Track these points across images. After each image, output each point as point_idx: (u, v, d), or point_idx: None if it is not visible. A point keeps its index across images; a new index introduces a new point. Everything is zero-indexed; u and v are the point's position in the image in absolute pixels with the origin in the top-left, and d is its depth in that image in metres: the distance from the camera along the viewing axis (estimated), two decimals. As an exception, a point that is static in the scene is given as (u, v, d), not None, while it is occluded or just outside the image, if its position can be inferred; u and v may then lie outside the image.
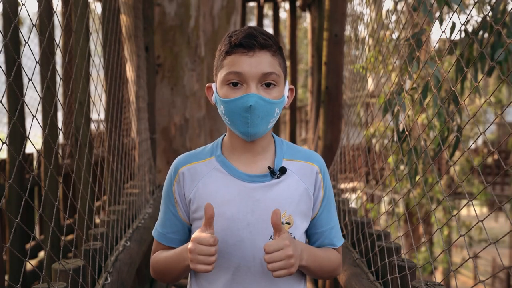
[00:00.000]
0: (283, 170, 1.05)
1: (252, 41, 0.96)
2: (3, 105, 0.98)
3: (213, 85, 1.06)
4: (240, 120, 0.98)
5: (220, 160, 1.08)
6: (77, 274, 1.34)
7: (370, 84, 2.24)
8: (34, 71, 1.18)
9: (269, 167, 1.05)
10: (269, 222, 1.03)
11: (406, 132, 1.61)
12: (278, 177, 1.05)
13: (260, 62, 0.97)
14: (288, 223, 1.05)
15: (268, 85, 0.99)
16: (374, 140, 2.05)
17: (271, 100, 0.98)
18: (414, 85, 2.09)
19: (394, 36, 2.13)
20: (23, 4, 1.13)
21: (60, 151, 4.60)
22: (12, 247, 3.29)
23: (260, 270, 1.04)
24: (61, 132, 1.48)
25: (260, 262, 1.03)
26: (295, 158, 1.09)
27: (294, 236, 1.06)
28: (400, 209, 6.16)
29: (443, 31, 1.29)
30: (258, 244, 1.03)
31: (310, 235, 1.14)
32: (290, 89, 1.08)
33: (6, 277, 3.25)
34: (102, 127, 4.17)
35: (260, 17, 6.64)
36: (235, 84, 0.98)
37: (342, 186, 2.83)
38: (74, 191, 3.69)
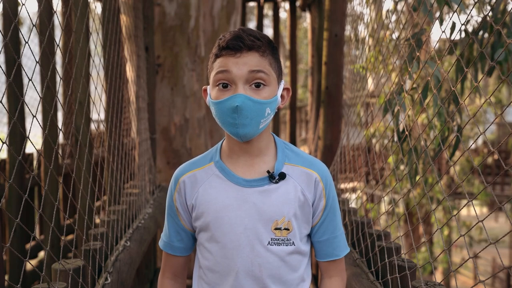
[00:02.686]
0: (282, 176, 1.04)
1: (238, 43, 0.97)
2: (3, 105, 0.98)
3: (208, 87, 1.06)
4: (228, 121, 0.98)
5: (218, 165, 1.08)
6: (77, 274, 1.34)
7: (370, 84, 2.24)
8: (34, 71, 1.18)
9: (268, 171, 1.04)
10: (266, 226, 1.03)
11: (406, 132, 1.61)
12: (276, 182, 1.04)
13: (246, 62, 0.97)
14: (286, 229, 1.04)
15: (257, 85, 0.98)
16: (374, 140, 2.05)
17: (260, 100, 0.98)
18: (414, 85, 2.09)
19: (394, 36, 2.13)
20: (23, 4, 1.13)
21: (60, 151, 4.60)
22: (12, 247, 3.29)
23: (259, 275, 1.04)
24: (61, 132, 1.48)
25: (258, 266, 1.03)
26: (297, 164, 1.08)
27: (293, 242, 1.05)
28: (400, 209, 6.16)
29: (443, 31, 1.29)
30: (256, 248, 1.03)
31: (313, 243, 1.13)
32: (285, 89, 1.07)
33: (6, 277, 3.25)
34: (102, 127, 4.17)
35: (260, 17, 6.63)
36: (224, 86, 0.98)
37: (342, 186, 2.83)
38: (74, 191, 3.69)
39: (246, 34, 0.98)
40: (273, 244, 1.04)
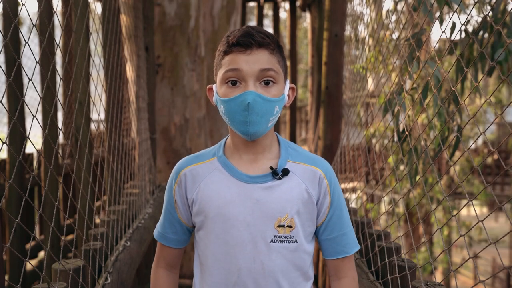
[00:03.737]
0: (285, 172, 1.04)
1: (249, 39, 0.96)
2: (3, 105, 0.98)
3: (214, 86, 1.06)
4: (239, 119, 0.97)
5: (221, 161, 1.07)
6: (77, 274, 1.34)
7: (370, 84, 2.24)
8: (34, 71, 1.18)
9: (271, 167, 1.04)
10: (269, 223, 1.03)
11: (406, 132, 1.61)
12: (279, 178, 1.04)
13: (257, 60, 0.97)
14: (289, 226, 1.04)
15: (267, 82, 0.98)
16: (374, 140, 2.05)
17: (270, 97, 0.98)
18: (414, 85, 2.09)
19: (394, 36, 2.13)
20: (23, 4, 1.13)
21: (60, 151, 4.60)
22: (12, 247, 3.29)
23: (261, 273, 1.03)
24: (61, 132, 1.48)
25: (261, 264, 1.03)
26: (300, 161, 1.08)
27: (296, 240, 1.05)
28: (400, 209, 6.16)
29: (443, 31, 1.29)
30: (259, 245, 1.03)
31: (322, 242, 1.12)
32: (291, 88, 1.07)
33: (6, 277, 3.25)
34: (102, 127, 4.17)
35: (260, 17, 6.63)
36: (233, 83, 0.98)
37: (342, 186, 2.83)
38: (74, 191, 3.69)
39: (255, 31, 0.98)
40: (276, 241, 1.03)
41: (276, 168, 1.04)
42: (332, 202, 1.08)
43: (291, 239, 1.04)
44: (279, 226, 1.03)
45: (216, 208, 1.04)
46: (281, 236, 1.03)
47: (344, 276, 1.12)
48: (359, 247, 1.14)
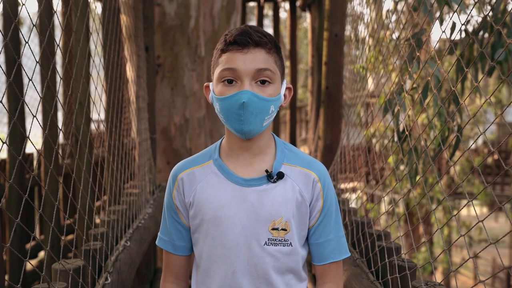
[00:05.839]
0: (280, 175, 1.04)
1: (246, 38, 0.96)
2: (3, 105, 0.98)
3: (210, 84, 1.06)
4: (234, 117, 0.97)
5: (217, 163, 1.07)
6: (77, 274, 1.34)
7: (370, 84, 2.23)
8: (34, 71, 1.18)
9: (266, 171, 1.04)
10: (263, 226, 1.03)
11: (406, 132, 1.61)
12: (274, 181, 1.03)
13: (254, 59, 0.97)
14: (284, 229, 1.03)
15: (263, 82, 0.98)
16: (374, 140, 2.05)
17: (265, 97, 0.98)
18: (414, 85, 2.09)
19: (394, 36, 2.13)
20: (23, 4, 1.13)
21: (60, 151, 4.60)
22: (12, 247, 3.29)
23: (255, 275, 1.03)
24: (61, 132, 1.48)
25: (254, 266, 1.03)
26: (295, 164, 1.07)
27: (291, 243, 1.04)
28: (400, 209, 6.16)
29: (443, 31, 1.29)
30: (253, 248, 1.03)
31: (310, 246, 1.11)
32: (288, 88, 1.06)
33: (6, 277, 3.25)
34: (102, 127, 4.18)
35: (260, 17, 6.64)
36: (230, 82, 0.98)
37: (342, 186, 2.83)
38: (74, 191, 3.69)
39: (253, 30, 0.98)
40: (270, 244, 1.03)
41: (271, 171, 1.04)
42: (324, 207, 1.07)
43: (286, 242, 1.04)
44: (273, 229, 1.03)
45: (211, 211, 1.04)
46: (276, 239, 1.03)
47: (329, 282, 1.10)
48: (348, 254, 1.12)
